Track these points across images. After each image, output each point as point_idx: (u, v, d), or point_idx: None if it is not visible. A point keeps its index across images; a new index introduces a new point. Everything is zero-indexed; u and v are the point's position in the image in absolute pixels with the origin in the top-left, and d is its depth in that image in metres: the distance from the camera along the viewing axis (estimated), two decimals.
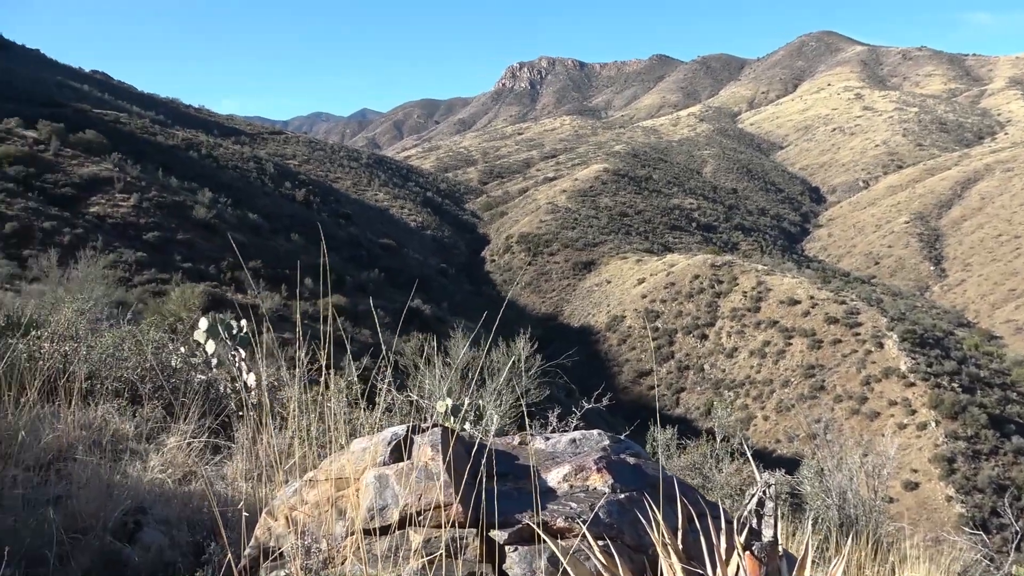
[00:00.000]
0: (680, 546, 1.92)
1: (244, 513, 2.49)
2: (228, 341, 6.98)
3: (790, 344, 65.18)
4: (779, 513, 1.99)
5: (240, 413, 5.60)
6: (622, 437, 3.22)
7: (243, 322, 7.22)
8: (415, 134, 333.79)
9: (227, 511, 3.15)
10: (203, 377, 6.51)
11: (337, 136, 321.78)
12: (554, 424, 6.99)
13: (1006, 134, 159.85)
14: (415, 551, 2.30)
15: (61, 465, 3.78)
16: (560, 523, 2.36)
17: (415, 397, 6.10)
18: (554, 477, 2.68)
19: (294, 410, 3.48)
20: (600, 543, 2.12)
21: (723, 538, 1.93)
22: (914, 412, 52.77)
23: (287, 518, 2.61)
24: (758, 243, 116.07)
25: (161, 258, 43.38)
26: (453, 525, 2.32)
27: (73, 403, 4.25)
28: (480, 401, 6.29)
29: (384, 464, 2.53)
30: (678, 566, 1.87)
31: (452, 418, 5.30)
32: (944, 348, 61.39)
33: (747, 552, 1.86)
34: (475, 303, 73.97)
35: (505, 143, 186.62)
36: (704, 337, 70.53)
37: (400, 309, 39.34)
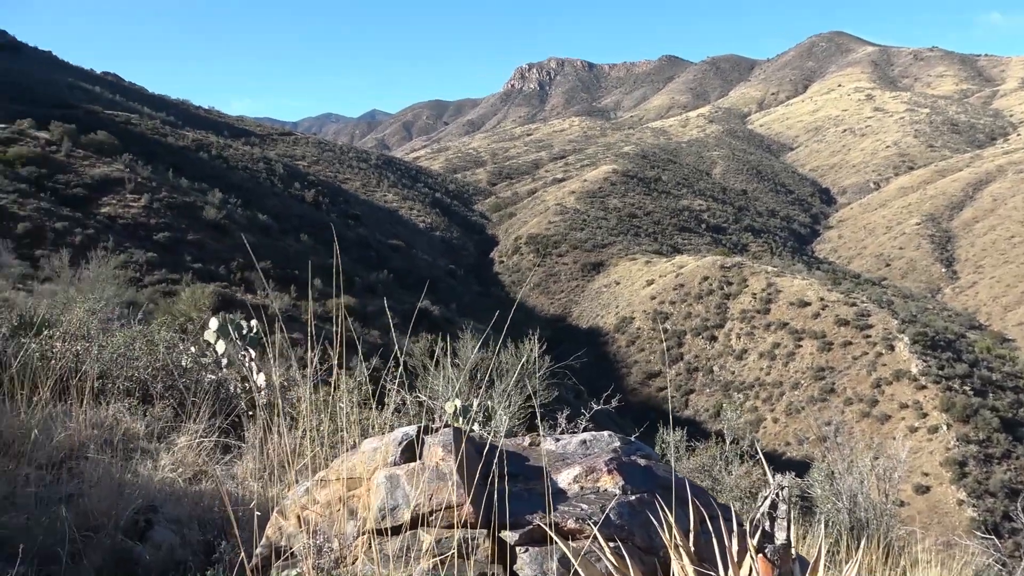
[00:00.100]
0: (692, 548, 1.91)
1: (256, 512, 2.50)
2: (238, 341, 7.01)
3: (800, 346, 64.88)
4: (792, 516, 1.97)
5: (250, 413, 5.62)
6: (632, 439, 3.21)
7: (253, 322, 7.25)
8: (424, 135, 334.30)
9: (238, 510, 3.16)
10: (213, 377, 6.54)
11: (346, 137, 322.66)
12: (563, 425, 6.98)
13: (1019, 135, 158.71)
14: (426, 551, 2.30)
15: (73, 464, 3.80)
16: (571, 524, 2.35)
17: (424, 398, 6.10)
18: (565, 478, 2.67)
19: (305, 410, 3.49)
20: (611, 545, 2.11)
21: (735, 540, 1.92)
22: (925, 415, 52.42)
23: (298, 517, 2.61)
24: (768, 244, 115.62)
25: (171, 258, 43.61)
26: (464, 526, 2.32)
27: (85, 402, 4.27)
28: (489, 402, 6.29)
29: (395, 464, 2.53)
30: (690, 568, 1.86)
31: (461, 419, 5.30)
32: (956, 351, 60.95)
33: (760, 555, 1.84)
34: (484, 304, 73.99)
35: (514, 144, 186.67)
36: (713, 339, 70.31)
37: (409, 310, 39.41)
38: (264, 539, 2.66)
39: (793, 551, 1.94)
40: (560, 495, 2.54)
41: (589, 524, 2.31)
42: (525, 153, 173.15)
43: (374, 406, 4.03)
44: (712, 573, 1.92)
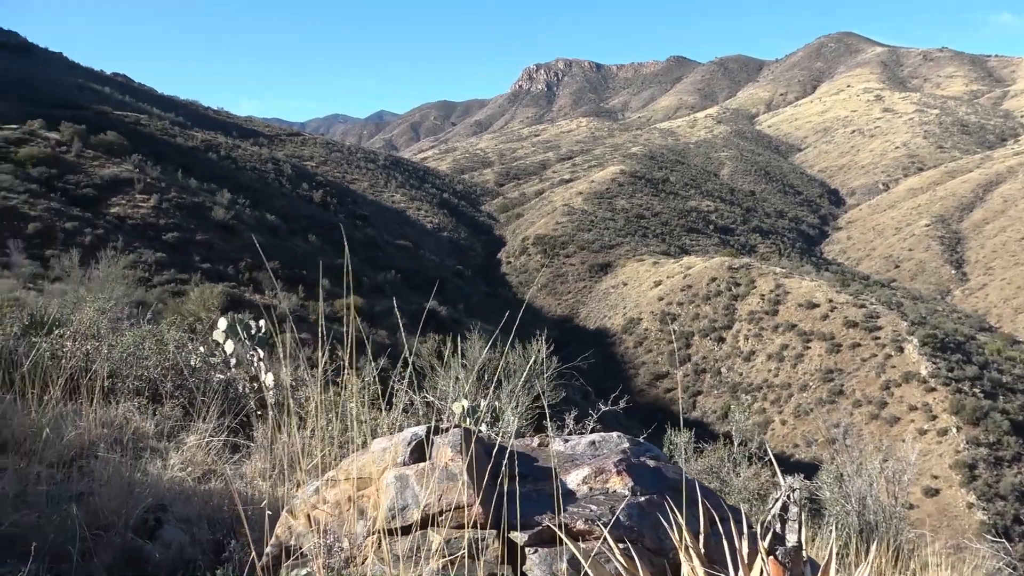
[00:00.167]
0: (702, 550, 1.90)
1: (267, 512, 2.50)
2: (247, 341, 7.03)
3: (808, 348, 64.64)
4: (803, 518, 1.96)
5: (259, 412, 5.63)
6: (641, 440, 3.20)
7: (262, 322, 7.27)
8: (432, 136, 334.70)
9: (247, 509, 3.16)
10: (222, 377, 6.56)
11: (354, 138, 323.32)
12: (571, 426, 6.97)
13: None
14: (436, 551, 2.30)
15: (83, 462, 3.81)
16: (580, 525, 2.35)
17: (431, 398, 6.11)
18: (574, 479, 2.67)
19: (313, 410, 3.50)
20: (620, 546, 2.10)
21: (746, 542, 1.91)
22: (935, 417, 52.14)
23: (308, 517, 2.62)
24: (776, 246, 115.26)
25: (180, 258, 43.81)
26: (473, 526, 2.32)
27: (95, 401, 4.29)
28: (496, 403, 6.29)
29: (404, 464, 2.54)
30: (700, 570, 1.85)
31: (468, 419, 5.30)
32: (965, 353, 60.59)
33: (771, 557, 1.83)
34: (491, 305, 74.02)
35: (521, 145, 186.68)
36: (721, 340, 70.13)
37: (416, 311, 39.47)
38: (274, 538, 2.66)
39: (804, 553, 1.92)
40: (569, 496, 2.54)
41: (599, 525, 2.30)
42: (533, 154, 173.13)
43: (383, 407, 4.04)
44: (723, 575, 1.91)
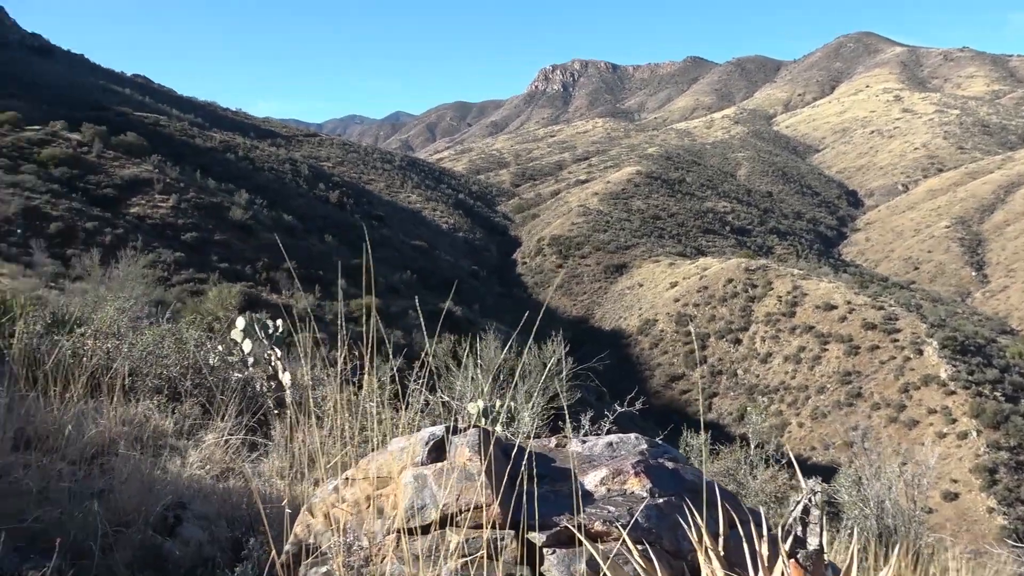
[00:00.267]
0: (721, 552, 1.89)
1: (287, 510, 2.52)
2: (264, 340, 7.08)
3: (826, 350, 64.11)
4: (825, 522, 1.95)
5: (277, 411, 5.67)
6: (659, 441, 3.18)
7: (279, 322, 7.33)
8: (448, 136, 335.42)
9: (265, 508, 3.18)
10: (240, 375, 6.61)
11: (371, 138, 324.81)
12: (587, 427, 6.96)
13: None
14: (454, 551, 2.30)
15: (104, 459, 3.85)
16: (598, 526, 2.34)
17: (446, 398, 6.12)
18: (591, 480, 2.66)
19: (331, 409, 3.51)
20: (639, 547, 2.10)
21: (765, 545, 1.90)
22: (954, 421, 51.54)
23: (326, 515, 2.63)
24: (794, 247, 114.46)
25: (199, 258, 44.19)
26: (492, 526, 2.32)
27: (115, 399, 4.33)
28: (512, 403, 6.29)
29: (422, 464, 2.54)
30: (720, 572, 1.84)
31: (484, 420, 5.31)
32: (986, 356, 59.86)
33: (792, 560, 1.82)
34: (506, 305, 74.06)
35: (537, 145, 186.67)
36: (738, 342, 69.72)
37: (431, 311, 39.54)
38: (292, 536, 2.68)
39: (825, 557, 1.91)
40: (587, 497, 2.53)
41: (617, 526, 2.30)
42: (548, 154, 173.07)
43: (402, 406, 4.05)
44: None
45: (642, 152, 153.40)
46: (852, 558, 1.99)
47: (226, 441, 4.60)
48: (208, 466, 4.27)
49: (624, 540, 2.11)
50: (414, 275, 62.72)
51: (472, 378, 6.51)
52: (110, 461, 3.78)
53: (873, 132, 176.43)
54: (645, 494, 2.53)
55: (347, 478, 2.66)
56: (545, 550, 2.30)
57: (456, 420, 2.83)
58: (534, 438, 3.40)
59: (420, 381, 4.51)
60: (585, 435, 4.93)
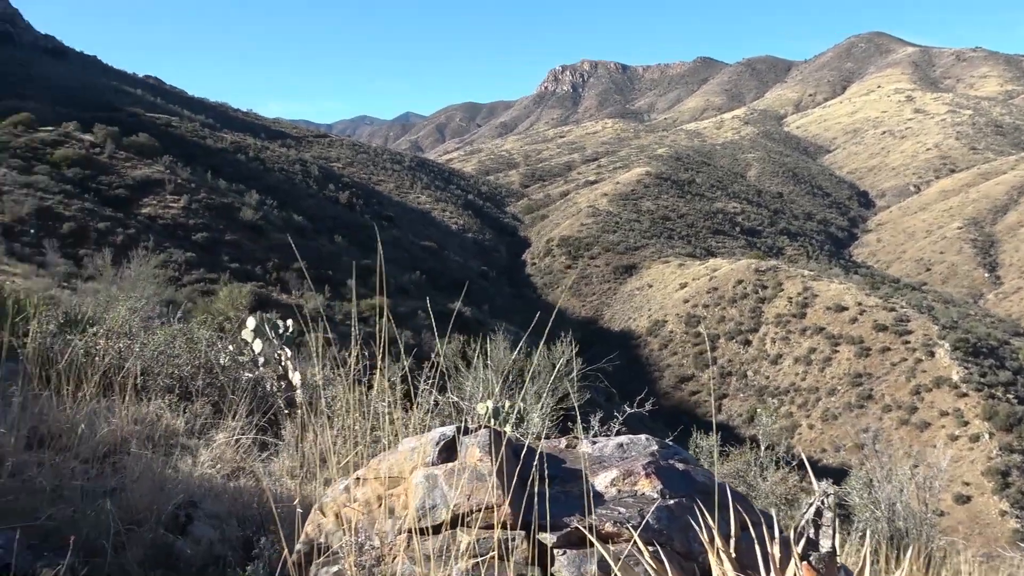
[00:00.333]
0: (733, 554, 1.89)
1: (299, 510, 2.52)
2: (274, 340, 7.11)
3: (837, 351, 63.79)
4: (837, 524, 1.93)
5: (287, 411, 5.69)
6: (669, 442, 3.18)
7: (289, 322, 7.35)
8: (457, 137, 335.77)
9: (277, 507, 3.19)
10: (250, 375, 6.64)
11: (380, 139, 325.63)
12: (596, 428, 6.94)
13: None
14: (465, 551, 2.30)
15: (116, 458, 3.87)
16: (609, 528, 2.34)
17: (455, 398, 6.12)
18: (602, 481, 2.66)
19: (340, 408, 3.52)
20: (650, 549, 2.09)
21: (777, 547, 1.89)
22: (966, 423, 51.17)
23: (337, 515, 2.63)
24: (804, 248, 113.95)
25: (209, 258, 44.42)
26: (502, 527, 2.32)
27: (127, 398, 4.36)
28: (521, 404, 6.29)
29: (433, 464, 2.54)
30: (732, 574, 1.83)
31: (494, 420, 5.30)
32: (999, 358, 59.40)
33: (804, 562, 1.81)
34: (515, 306, 74.09)
35: (547, 146, 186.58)
36: (747, 343, 69.46)
37: (440, 311, 39.58)
38: (303, 536, 2.69)
39: (837, 560, 1.90)
40: (597, 498, 2.53)
41: (628, 528, 2.29)
42: (558, 155, 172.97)
43: (413, 406, 4.06)
44: None
45: (652, 153, 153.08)
46: (864, 561, 1.97)
47: (237, 440, 4.61)
48: (219, 465, 4.29)
49: (635, 541, 2.10)
50: (423, 276, 62.83)
51: (482, 379, 6.51)
52: (122, 460, 3.81)
53: (885, 133, 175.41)
54: (656, 495, 2.52)
55: (358, 478, 2.67)
56: (556, 551, 2.30)
57: (466, 421, 2.83)
58: (544, 439, 3.40)
59: (430, 381, 4.52)
60: (595, 436, 4.92)
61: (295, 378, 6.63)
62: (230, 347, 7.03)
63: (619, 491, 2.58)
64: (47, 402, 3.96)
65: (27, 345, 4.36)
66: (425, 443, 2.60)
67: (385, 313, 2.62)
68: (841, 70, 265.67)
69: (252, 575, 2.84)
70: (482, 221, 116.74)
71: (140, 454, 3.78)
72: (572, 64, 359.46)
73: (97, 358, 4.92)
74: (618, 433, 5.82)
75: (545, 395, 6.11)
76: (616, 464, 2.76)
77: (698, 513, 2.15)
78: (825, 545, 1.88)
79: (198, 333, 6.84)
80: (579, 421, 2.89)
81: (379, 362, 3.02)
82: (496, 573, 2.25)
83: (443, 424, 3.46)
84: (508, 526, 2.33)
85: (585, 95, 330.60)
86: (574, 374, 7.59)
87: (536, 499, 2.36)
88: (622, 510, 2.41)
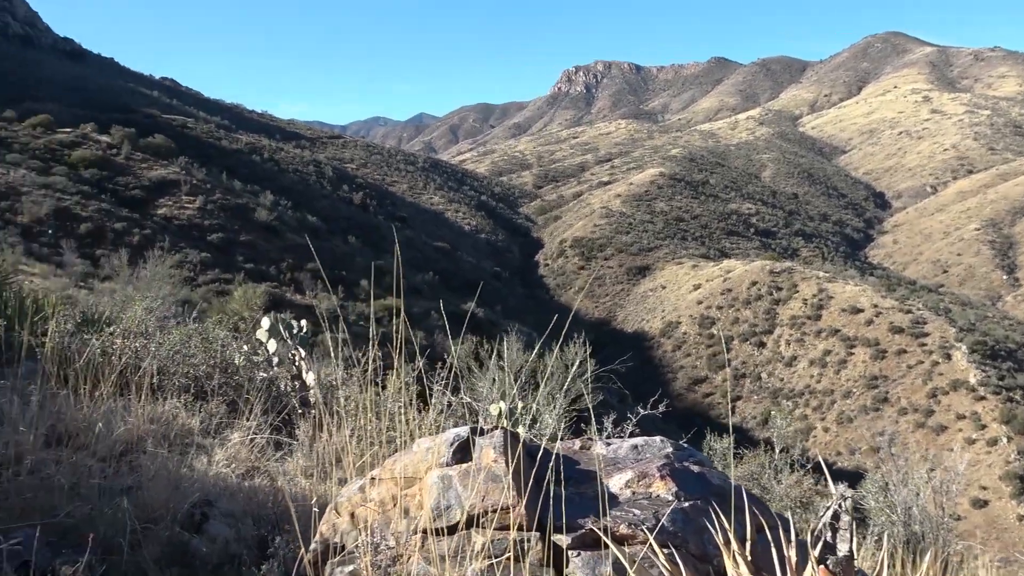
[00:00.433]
0: (749, 557, 1.87)
1: (315, 509, 2.53)
2: (288, 340, 7.14)
3: (852, 354, 63.32)
4: (854, 528, 1.92)
5: (301, 411, 5.71)
6: (684, 444, 3.16)
7: (303, 322, 7.39)
8: (470, 138, 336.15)
9: (291, 506, 3.20)
10: (265, 375, 6.67)
11: (394, 140, 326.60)
12: (609, 430, 6.92)
13: None
14: (479, 552, 2.30)
15: (132, 457, 3.90)
16: (623, 530, 2.33)
17: (468, 399, 6.12)
18: (616, 483, 2.65)
19: (354, 408, 3.53)
20: (665, 551, 2.08)
21: (794, 550, 1.88)
22: (984, 427, 50.66)
23: (352, 515, 2.64)
24: (819, 249, 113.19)
25: (224, 258, 44.72)
26: (517, 528, 2.32)
27: (143, 397, 4.39)
28: (534, 405, 6.28)
29: (447, 465, 2.55)
30: None
31: (506, 421, 5.30)
32: (1017, 361, 58.76)
33: (822, 566, 1.80)
34: (528, 307, 74.06)
35: (560, 147, 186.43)
36: (762, 345, 69.09)
37: (453, 312, 39.65)
38: (318, 535, 2.70)
39: (855, 564, 1.88)
40: (612, 500, 2.52)
41: (643, 530, 2.28)
42: (571, 156, 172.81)
43: (426, 407, 4.07)
44: None
45: (665, 154, 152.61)
46: (882, 565, 1.96)
47: (251, 440, 4.64)
48: (234, 464, 4.31)
49: (650, 543, 2.09)
50: (436, 276, 62.95)
51: (495, 379, 6.51)
52: (138, 458, 3.83)
53: (901, 133, 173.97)
54: (671, 497, 2.51)
55: (373, 478, 2.68)
56: (570, 552, 2.30)
57: (480, 422, 2.83)
58: (557, 440, 3.39)
59: (443, 382, 4.52)
60: (608, 438, 4.91)
61: (309, 378, 6.66)
62: (245, 347, 7.07)
63: (634, 493, 2.57)
64: (65, 401, 3.99)
65: (45, 344, 4.40)
66: (439, 444, 2.60)
67: (401, 314, 2.63)
68: (857, 70, 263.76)
69: (267, 574, 2.85)
70: (495, 222, 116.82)
71: (156, 453, 3.81)
72: (585, 65, 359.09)
73: (114, 357, 4.96)
74: (632, 435, 5.81)
75: (560, 396, 6.10)
76: (631, 466, 2.75)
77: (713, 516, 2.14)
78: (843, 549, 1.87)
79: (213, 333, 6.89)
80: (592, 420, 2.88)
81: (395, 362, 3.02)
82: (511, 574, 2.25)
83: (456, 425, 3.46)
84: (523, 527, 2.32)
85: (598, 96, 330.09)
86: (588, 375, 7.58)
87: (551, 500, 2.35)
88: (637, 512, 2.40)
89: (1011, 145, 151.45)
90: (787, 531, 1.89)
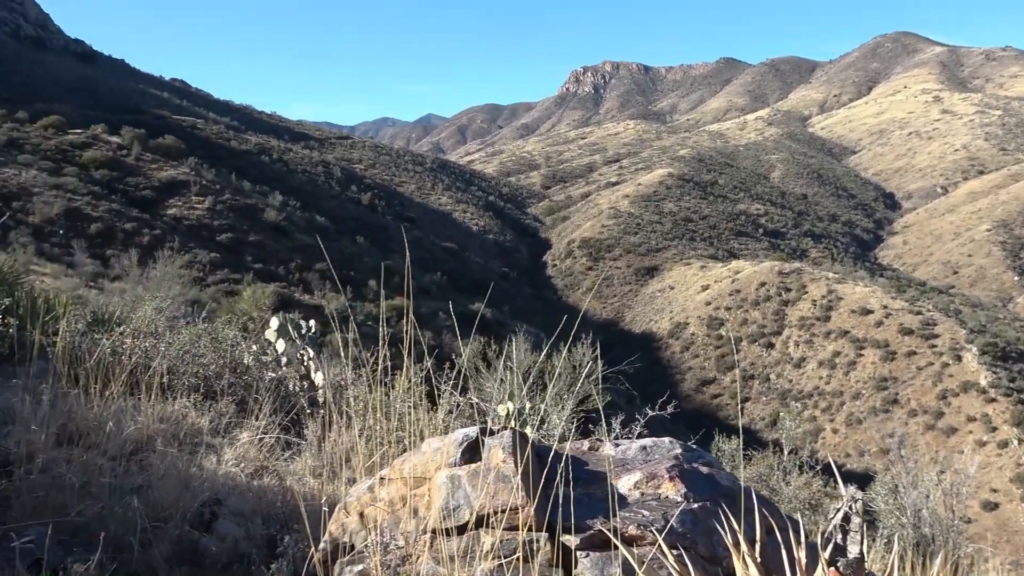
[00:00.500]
0: (758, 558, 1.87)
1: (324, 508, 2.54)
2: (297, 340, 7.16)
3: (861, 355, 63.02)
4: (865, 530, 1.91)
5: (309, 411, 5.72)
6: (693, 446, 3.16)
7: (312, 322, 7.41)
8: (479, 139, 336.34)
9: (300, 506, 3.21)
10: (274, 375, 6.69)
11: (402, 141, 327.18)
12: (618, 431, 6.91)
13: None
14: (488, 552, 2.30)
15: (142, 456, 3.92)
16: (632, 530, 2.33)
17: (476, 400, 6.12)
18: (625, 484, 2.64)
19: (363, 409, 3.54)
20: (674, 552, 2.08)
21: (804, 552, 1.87)
22: (995, 429, 50.32)
23: (361, 515, 2.65)
24: (829, 250, 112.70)
25: (233, 259, 44.90)
26: (527, 528, 2.32)
27: (153, 397, 4.41)
28: (542, 405, 6.27)
29: (456, 465, 2.55)
30: None
31: (515, 422, 5.30)
32: None
33: (832, 568, 1.79)
34: (536, 307, 74.04)
35: (568, 147, 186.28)
36: (770, 346, 68.85)
37: (461, 312, 39.66)
38: (327, 535, 2.70)
39: (865, 566, 1.87)
40: (621, 501, 2.52)
41: (651, 531, 2.28)
42: (579, 156, 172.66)
43: (435, 407, 4.07)
44: None
45: (674, 154, 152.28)
46: (892, 567, 1.94)
47: (260, 439, 4.65)
48: (243, 464, 4.32)
49: (659, 545, 2.09)
50: (444, 276, 63.02)
51: (503, 380, 6.51)
52: (148, 457, 3.85)
53: (911, 133, 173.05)
54: (680, 499, 2.51)
55: (382, 478, 2.68)
56: (579, 553, 2.30)
57: (489, 422, 2.83)
58: (564, 441, 3.39)
59: (451, 382, 4.53)
60: (616, 439, 4.90)
61: (318, 378, 6.68)
62: (254, 347, 7.09)
63: (642, 494, 2.57)
64: (76, 400, 4.01)
65: (57, 344, 4.42)
66: (448, 444, 2.60)
67: (409, 314, 2.63)
68: (867, 70, 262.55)
69: (276, 573, 2.86)
70: (503, 222, 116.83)
71: (166, 452, 3.82)
72: (594, 65, 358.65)
73: (124, 357, 4.98)
74: (640, 436, 5.80)
75: (568, 397, 6.10)
76: (639, 467, 2.75)
77: (723, 517, 2.13)
78: (853, 551, 1.86)
79: (223, 333, 6.91)
80: (603, 423, 2.88)
81: (405, 362, 3.03)
82: (520, 574, 2.25)
83: (464, 425, 3.46)
84: (531, 528, 2.32)
85: (607, 96, 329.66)
86: (596, 376, 7.57)
87: (560, 501, 2.35)
88: (646, 513, 2.40)
89: (1023, 146, 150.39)
90: (797, 533, 1.89)
